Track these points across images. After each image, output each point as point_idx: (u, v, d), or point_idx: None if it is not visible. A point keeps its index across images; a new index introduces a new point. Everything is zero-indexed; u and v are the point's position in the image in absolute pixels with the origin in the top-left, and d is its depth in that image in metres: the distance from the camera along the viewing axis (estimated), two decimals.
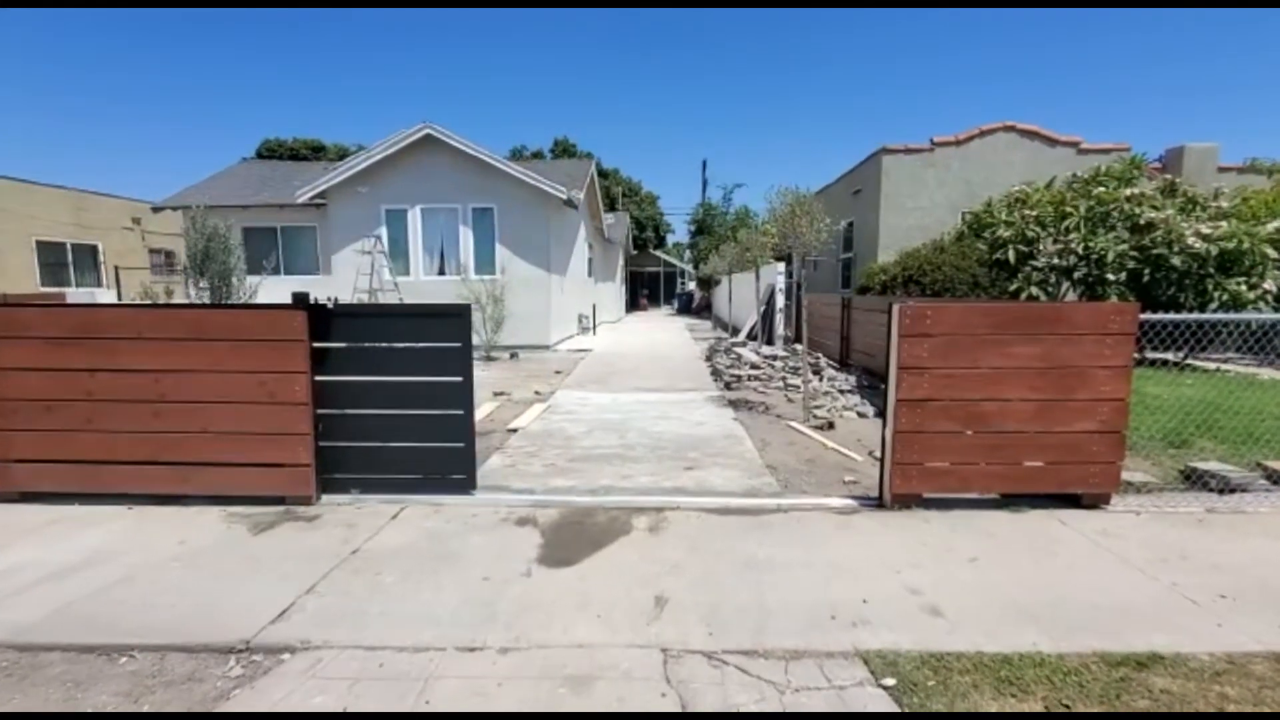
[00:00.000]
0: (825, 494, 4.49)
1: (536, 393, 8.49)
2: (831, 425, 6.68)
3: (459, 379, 4.31)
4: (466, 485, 4.40)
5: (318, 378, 4.21)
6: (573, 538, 3.69)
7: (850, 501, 4.29)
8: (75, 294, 11.59)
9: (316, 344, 4.18)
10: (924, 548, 3.56)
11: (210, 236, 8.47)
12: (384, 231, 13.44)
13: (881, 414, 4.54)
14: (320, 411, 4.23)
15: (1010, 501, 4.20)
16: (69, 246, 18.28)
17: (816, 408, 7.46)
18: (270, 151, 39.83)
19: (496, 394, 8.33)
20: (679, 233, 47.57)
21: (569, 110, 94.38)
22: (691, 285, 39.36)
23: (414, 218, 13.45)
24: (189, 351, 4.08)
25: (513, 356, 12.41)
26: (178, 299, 10.64)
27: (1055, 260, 9.67)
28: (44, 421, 4.12)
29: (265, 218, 14.83)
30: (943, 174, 13.49)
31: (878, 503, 4.24)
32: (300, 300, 4.12)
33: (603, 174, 34.58)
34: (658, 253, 41.15)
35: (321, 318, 4.20)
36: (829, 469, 5.23)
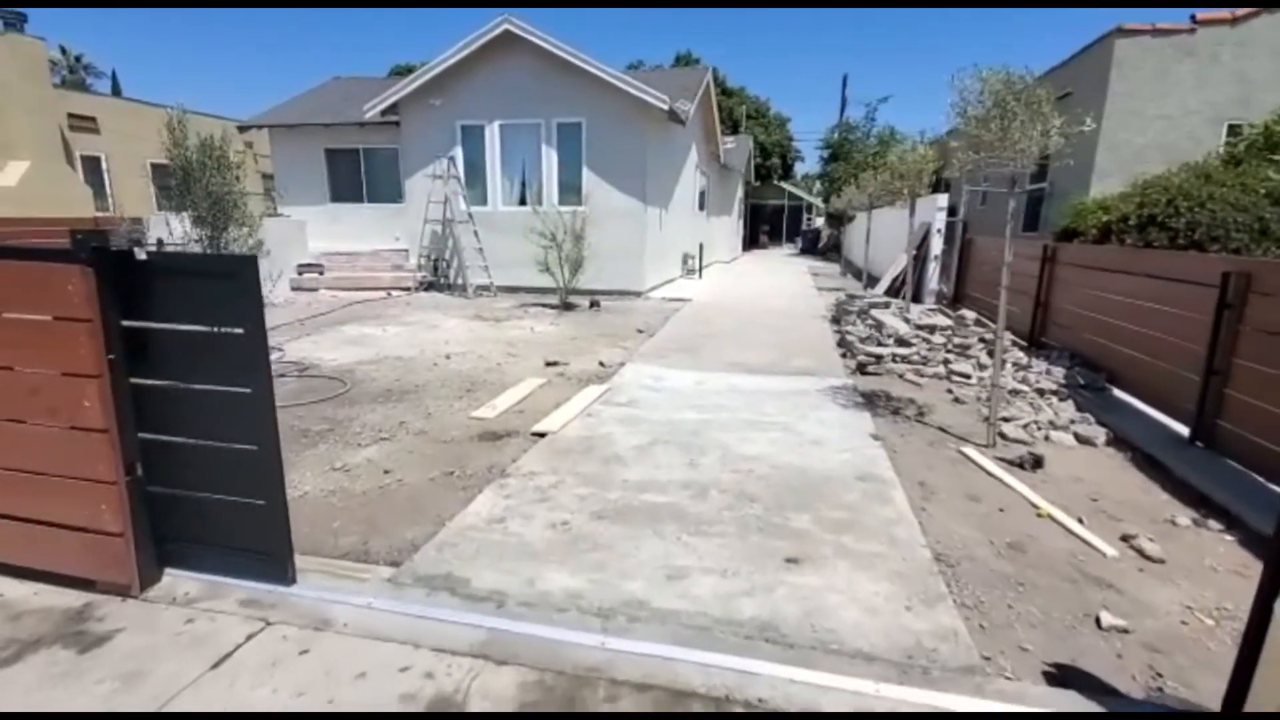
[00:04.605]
0: (1083, 682, 2.13)
1: (601, 364, 6.47)
2: (1039, 462, 4.10)
3: (246, 390, 2.36)
4: (277, 572, 2.53)
5: (137, 380, 2.42)
6: None
7: None
8: (155, 219, 11.00)
9: (128, 322, 2.37)
10: None
11: (200, 146, 6.62)
12: (459, 152, 11.69)
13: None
14: (148, 436, 2.46)
15: None
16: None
17: (1005, 420, 4.85)
18: (399, 76, 39.62)
19: (548, 364, 6.40)
20: (809, 162, 42.63)
21: (694, 25, 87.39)
22: (819, 221, 35.05)
23: (492, 135, 11.55)
24: None
25: (593, 305, 10.41)
26: (155, 235, 8.64)
27: None
28: None
29: (347, 138, 13.57)
30: (1207, 68, 9.35)
31: None
32: (84, 246, 2.26)
33: (726, 92, 30.83)
34: (783, 184, 36.83)
35: (130, 276, 2.34)
36: (1056, 575, 2.83)
